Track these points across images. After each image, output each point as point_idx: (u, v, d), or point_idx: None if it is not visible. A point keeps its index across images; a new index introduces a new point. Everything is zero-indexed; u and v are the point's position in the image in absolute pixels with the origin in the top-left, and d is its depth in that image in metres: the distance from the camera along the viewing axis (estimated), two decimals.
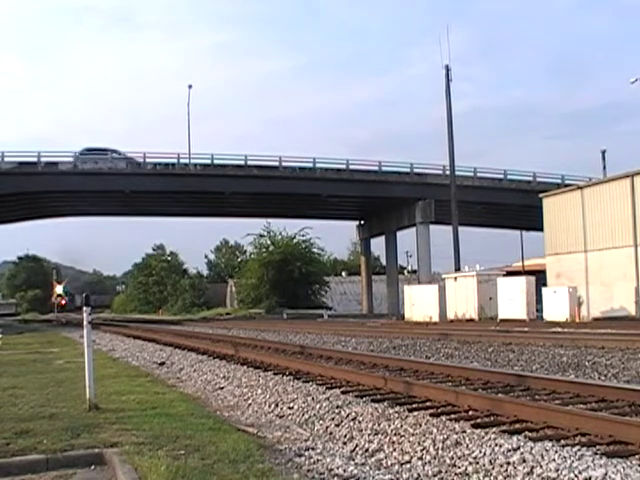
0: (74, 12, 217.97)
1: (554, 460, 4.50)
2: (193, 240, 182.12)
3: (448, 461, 4.92)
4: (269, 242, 59.95)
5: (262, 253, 59.91)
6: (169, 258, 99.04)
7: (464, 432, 5.47)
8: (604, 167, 47.67)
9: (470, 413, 6.24)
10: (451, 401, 6.70)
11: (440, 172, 49.18)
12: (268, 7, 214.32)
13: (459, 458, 4.92)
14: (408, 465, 5.00)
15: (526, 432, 5.37)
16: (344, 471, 4.84)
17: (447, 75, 42.69)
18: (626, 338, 14.27)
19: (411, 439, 5.53)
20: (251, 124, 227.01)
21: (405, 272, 73.85)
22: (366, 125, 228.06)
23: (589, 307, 28.62)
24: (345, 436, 6.07)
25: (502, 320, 28.17)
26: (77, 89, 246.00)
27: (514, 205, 50.45)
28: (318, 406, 7.25)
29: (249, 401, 8.37)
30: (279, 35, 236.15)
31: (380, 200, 51.97)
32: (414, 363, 10.41)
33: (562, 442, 4.97)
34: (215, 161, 48.46)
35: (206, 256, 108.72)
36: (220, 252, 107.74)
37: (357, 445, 5.72)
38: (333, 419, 6.66)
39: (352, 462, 5.13)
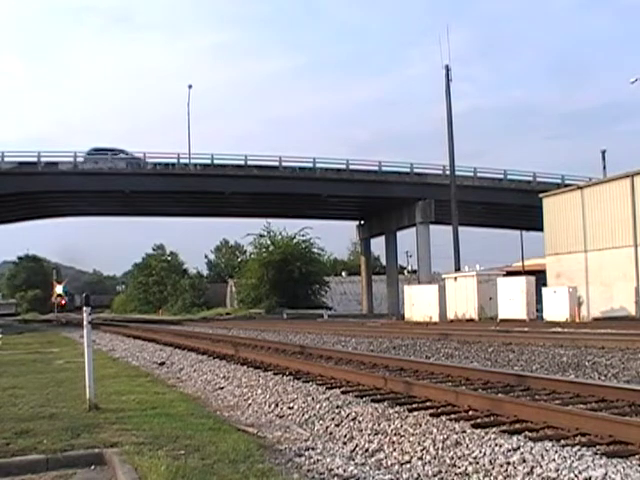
0: (74, 12, 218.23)
1: (554, 460, 4.50)
2: (193, 240, 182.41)
3: (448, 461, 4.92)
4: (269, 242, 59.96)
5: (262, 253, 59.91)
6: (169, 258, 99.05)
7: (464, 432, 5.47)
8: (604, 167, 47.75)
9: (470, 413, 6.24)
10: (451, 401, 6.70)
11: (440, 172, 49.20)
12: (268, 7, 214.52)
13: (459, 458, 4.92)
14: (408, 465, 5.00)
15: (526, 432, 5.37)
16: (344, 471, 4.84)
17: (447, 75, 42.72)
18: (626, 338, 14.27)
19: (411, 439, 5.53)
20: (251, 124, 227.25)
21: (405, 272, 73.85)
22: (366, 125, 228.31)
23: (589, 307, 28.62)
24: (345, 436, 6.07)
25: (502, 320, 28.17)
26: (77, 89, 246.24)
27: (514, 205, 50.45)
28: (318, 406, 7.25)
29: (249, 401, 8.37)
30: (279, 35, 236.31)
31: (380, 200, 51.98)
32: (414, 363, 10.41)
33: (562, 442, 4.97)
34: (215, 161, 48.47)
35: (206, 256, 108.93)
36: (220, 252, 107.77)
37: (357, 445, 5.72)
38: (333, 419, 6.66)
39: (352, 462, 5.13)
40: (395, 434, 5.75)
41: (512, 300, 29.06)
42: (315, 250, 60.68)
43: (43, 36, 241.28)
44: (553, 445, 4.85)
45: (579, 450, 4.70)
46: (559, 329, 19.84)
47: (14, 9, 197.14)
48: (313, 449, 5.59)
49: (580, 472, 4.22)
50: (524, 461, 4.59)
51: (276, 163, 48.95)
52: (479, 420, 5.92)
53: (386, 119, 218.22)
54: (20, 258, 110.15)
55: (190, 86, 56.09)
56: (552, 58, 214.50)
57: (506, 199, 50.59)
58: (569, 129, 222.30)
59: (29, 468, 4.86)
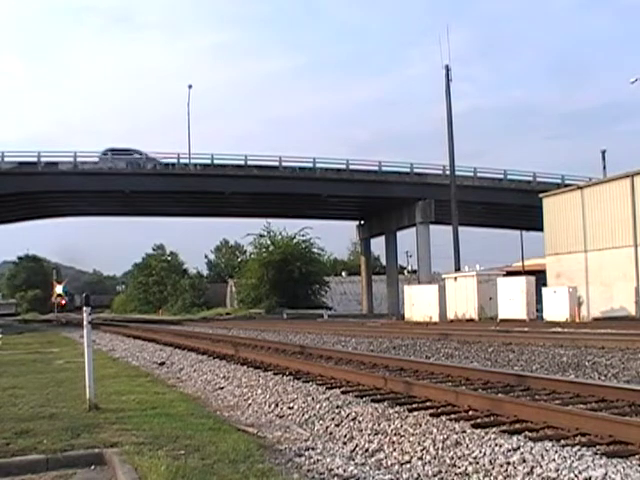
0: (74, 12, 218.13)
1: (554, 460, 4.50)
2: (193, 240, 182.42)
3: (448, 461, 4.92)
4: (269, 242, 59.97)
5: (262, 253, 59.92)
6: (169, 258, 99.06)
7: (464, 432, 5.47)
8: (604, 167, 47.76)
9: (470, 413, 6.24)
10: (451, 401, 6.70)
11: (440, 172, 49.21)
12: (268, 7, 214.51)
13: (459, 458, 4.92)
14: (408, 465, 5.00)
15: (526, 432, 5.37)
16: (344, 471, 4.84)
17: (447, 75, 42.72)
18: (626, 338, 14.27)
19: (411, 439, 5.53)
20: (251, 124, 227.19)
21: (405, 272, 73.85)
22: (366, 125, 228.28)
23: (589, 307, 28.63)
24: (345, 436, 6.07)
25: (502, 320, 28.17)
26: (77, 89, 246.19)
27: (514, 205, 50.46)
28: (318, 406, 7.25)
29: (249, 401, 8.37)
30: (279, 35, 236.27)
31: (380, 200, 51.98)
32: (414, 363, 10.41)
33: (562, 442, 4.97)
34: (215, 161, 48.48)
35: (206, 256, 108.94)
36: (220, 252, 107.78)
37: (357, 445, 5.72)
38: (333, 419, 6.66)
39: (352, 462, 5.13)
40: (395, 434, 5.75)
41: (512, 300, 29.06)
42: (315, 250, 60.77)
43: (43, 36, 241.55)
44: (553, 445, 4.85)
45: (579, 450, 4.70)
46: (559, 329, 19.84)
47: (14, 9, 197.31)
48: (313, 449, 5.59)
49: (580, 472, 4.22)
50: (524, 461, 4.59)
51: (276, 163, 48.96)
52: (479, 420, 5.92)
53: (386, 119, 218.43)
54: (20, 258, 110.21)
55: (190, 86, 56.17)
56: (552, 58, 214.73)
57: (506, 199, 50.60)
58: (569, 129, 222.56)
59: (29, 468, 4.86)
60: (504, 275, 33.44)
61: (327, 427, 6.48)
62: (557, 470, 4.32)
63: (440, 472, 4.74)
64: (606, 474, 4.14)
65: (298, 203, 54.10)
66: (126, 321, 46.27)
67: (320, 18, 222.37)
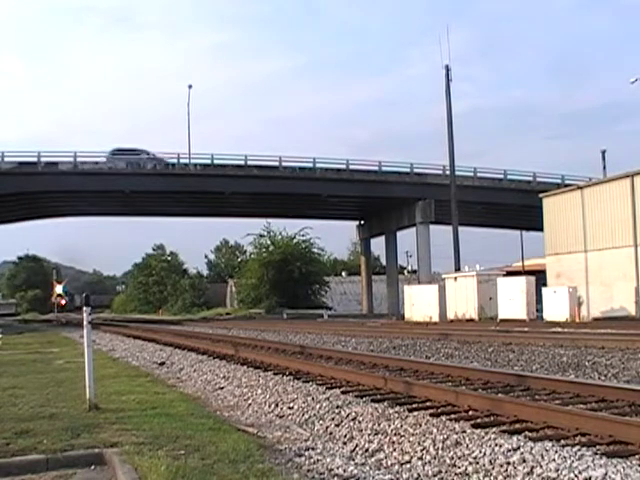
0: (74, 12, 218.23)
1: (554, 460, 4.50)
2: (193, 240, 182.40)
3: (448, 461, 4.92)
4: (269, 242, 59.97)
5: (262, 253, 59.92)
6: (169, 258, 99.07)
7: (464, 432, 5.47)
8: (604, 167, 47.76)
9: (470, 413, 6.24)
10: (451, 401, 6.70)
11: (440, 172, 49.21)
12: (268, 7, 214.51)
13: (459, 458, 4.92)
14: (408, 465, 5.00)
15: (526, 432, 5.37)
16: (344, 471, 4.84)
17: (447, 75, 42.72)
18: (626, 338, 14.27)
19: (411, 439, 5.53)
20: (251, 124, 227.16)
21: (405, 272, 73.85)
22: (366, 125, 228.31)
23: (589, 307, 28.63)
24: (345, 436, 6.07)
25: (502, 320, 28.17)
26: (77, 89, 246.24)
27: (514, 205, 50.46)
28: (318, 406, 7.25)
29: (249, 401, 8.37)
30: (279, 35, 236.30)
31: (380, 200, 51.98)
32: (414, 363, 10.41)
33: (562, 442, 4.97)
34: (215, 161, 48.48)
35: (206, 256, 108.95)
36: (220, 252, 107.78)
37: (357, 445, 5.72)
38: (333, 419, 6.66)
39: (352, 462, 5.13)
40: (395, 434, 5.75)
41: (512, 300, 29.06)
42: (315, 250, 60.78)
43: (43, 36, 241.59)
44: (553, 445, 4.85)
45: (579, 450, 4.70)
46: (559, 329, 19.84)
47: (14, 9, 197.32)
48: (313, 449, 5.59)
49: (580, 472, 4.22)
50: (524, 461, 4.59)
51: (276, 163, 48.96)
52: (479, 420, 5.92)
53: (386, 119, 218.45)
54: (20, 258, 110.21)
55: (190, 86, 56.18)
56: (552, 58, 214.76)
57: (506, 199, 50.60)
58: (569, 129, 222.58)
59: (29, 468, 4.86)
60: (504, 275, 33.44)
61: (327, 427, 6.48)
62: (557, 470, 4.32)
63: (440, 472, 4.74)
64: (606, 474, 4.14)
65: (298, 203, 54.10)
66: (126, 321, 46.28)
67: (320, 18, 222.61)
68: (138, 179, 46.73)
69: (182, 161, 48.23)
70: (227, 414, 7.58)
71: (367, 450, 5.54)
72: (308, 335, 22.06)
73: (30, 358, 14.86)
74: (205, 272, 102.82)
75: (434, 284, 36.11)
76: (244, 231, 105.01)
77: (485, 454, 4.86)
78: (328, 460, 5.16)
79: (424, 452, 5.18)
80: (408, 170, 50.70)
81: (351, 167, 49.93)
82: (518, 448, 4.84)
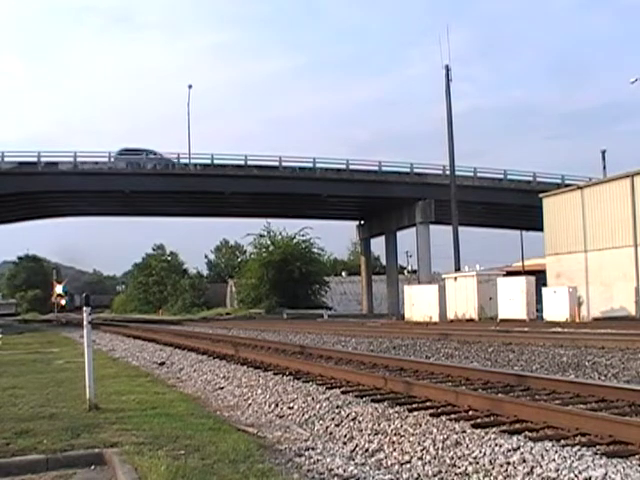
0: (74, 12, 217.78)
1: (554, 460, 4.50)
2: (193, 240, 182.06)
3: (448, 461, 4.92)
4: (269, 242, 59.98)
5: (262, 253, 59.93)
6: (169, 258, 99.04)
7: (464, 432, 5.47)
8: (604, 167, 47.77)
9: (470, 413, 6.24)
10: (451, 401, 6.70)
11: (440, 172, 49.22)
12: (268, 7, 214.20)
13: (459, 458, 4.92)
14: (408, 465, 5.00)
15: (526, 432, 5.37)
16: (344, 471, 4.85)
17: (447, 75, 42.73)
18: (626, 338, 14.27)
19: (411, 439, 5.53)
20: (251, 124, 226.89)
21: (405, 272, 73.83)
22: (366, 125, 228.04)
23: (589, 307, 28.63)
24: (345, 436, 6.07)
25: (502, 320, 28.17)
26: (77, 89, 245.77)
27: (514, 205, 50.46)
28: (318, 406, 7.25)
29: (249, 401, 8.37)
30: (279, 35, 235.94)
31: (380, 200, 51.98)
32: (414, 363, 10.41)
33: (562, 442, 4.97)
34: (215, 161, 48.51)
35: (206, 256, 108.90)
36: (220, 252, 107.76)
37: (357, 445, 5.72)
38: (333, 419, 6.66)
39: (352, 462, 5.13)
40: (395, 434, 5.75)
41: (512, 300, 29.06)
42: (315, 250, 60.78)
43: (43, 36, 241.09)
44: (553, 445, 4.85)
45: (579, 450, 4.69)
46: (559, 329, 19.84)
47: (14, 9, 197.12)
48: (313, 449, 5.59)
49: (580, 472, 4.22)
50: (524, 461, 4.59)
51: (276, 163, 48.97)
52: (479, 420, 5.92)
53: (386, 119, 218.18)
54: (20, 258, 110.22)
55: (190, 86, 56.22)
56: (552, 58, 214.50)
57: (506, 199, 50.60)
58: (569, 129, 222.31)
59: (29, 468, 4.86)
60: (504, 275, 33.44)
61: (327, 427, 6.48)
62: (557, 470, 4.32)
63: (440, 472, 4.75)
64: (606, 474, 4.14)
65: (298, 203, 54.10)
66: (126, 321, 46.28)
67: (320, 18, 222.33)
68: (138, 179, 46.74)
69: (182, 161, 48.30)
70: (227, 414, 7.59)
71: (367, 450, 5.54)
72: (308, 335, 22.07)
73: (30, 358, 14.87)
74: (205, 272, 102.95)
75: (434, 284, 36.10)
76: (244, 231, 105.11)
77: (485, 454, 4.86)
78: (328, 460, 5.16)
79: (424, 452, 5.18)
80: (408, 170, 50.71)
81: (351, 167, 49.95)
82: (518, 448, 4.84)
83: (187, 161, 48.38)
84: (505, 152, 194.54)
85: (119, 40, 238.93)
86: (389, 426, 5.98)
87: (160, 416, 6.74)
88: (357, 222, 62.84)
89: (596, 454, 4.59)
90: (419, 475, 4.74)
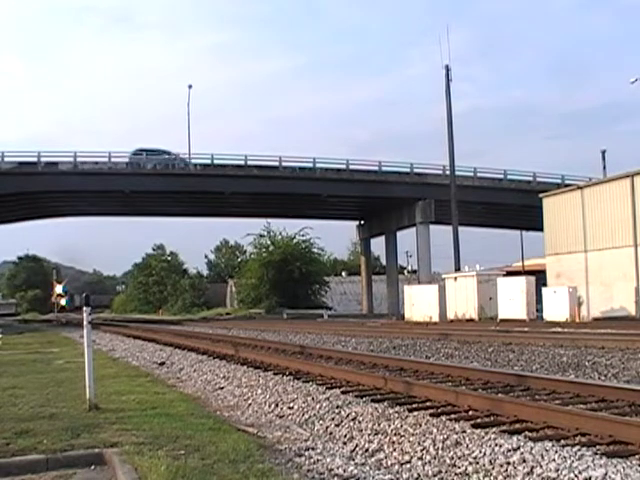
0: (74, 12, 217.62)
1: (554, 460, 4.50)
2: (193, 240, 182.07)
3: (448, 461, 4.92)
4: (269, 242, 59.99)
5: (262, 253, 59.94)
6: (169, 258, 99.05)
7: (464, 432, 5.47)
8: (604, 167, 47.77)
9: (470, 413, 6.24)
10: (451, 401, 6.70)
11: (440, 172, 49.21)
12: (268, 7, 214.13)
13: (459, 458, 4.92)
14: (408, 465, 5.01)
15: (526, 432, 5.37)
16: (344, 471, 4.85)
17: (447, 75, 42.74)
18: (626, 338, 14.27)
19: (411, 439, 5.53)
20: (251, 124, 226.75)
21: (405, 272, 73.84)
22: (366, 125, 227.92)
23: (589, 307, 28.63)
24: (345, 436, 6.07)
25: (502, 320, 28.18)
26: (77, 89, 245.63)
27: (514, 205, 50.46)
28: (318, 406, 7.25)
29: (249, 401, 8.37)
30: (279, 35, 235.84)
31: (380, 200, 51.98)
32: (414, 363, 10.41)
33: (562, 442, 4.97)
34: (215, 161, 48.52)
35: (206, 256, 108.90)
36: (220, 252, 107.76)
37: (357, 445, 5.72)
38: (333, 419, 6.66)
39: (352, 462, 5.13)
40: (395, 434, 5.75)
41: (512, 300, 29.06)
42: (315, 250, 60.78)
43: (43, 36, 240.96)
44: (553, 445, 4.85)
45: (579, 450, 4.69)
46: (559, 329, 19.84)
47: (14, 9, 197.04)
48: (313, 449, 5.59)
49: (580, 472, 4.22)
50: (524, 461, 4.59)
51: (276, 163, 48.98)
52: (479, 420, 5.92)
53: (386, 119, 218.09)
54: (20, 258, 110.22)
55: (190, 86, 56.32)
56: (552, 58, 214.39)
57: (506, 199, 50.60)
58: (569, 129, 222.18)
59: (29, 468, 4.86)
60: (504, 275, 33.44)
61: (327, 427, 6.48)
62: (557, 470, 4.32)
63: (440, 472, 4.75)
64: (606, 474, 4.14)
65: (298, 203, 54.11)
66: (126, 321, 46.28)
67: (320, 18, 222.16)
68: (138, 179, 46.75)
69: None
70: (227, 414, 7.59)
71: (367, 450, 5.54)
72: (308, 335, 22.07)
73: (30, 358, 14.87)
74: (205, 272, 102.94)
75: (434, 284, 36.11)
76: (244, 231, 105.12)
77: (485, 454, 4.86)
78: (328, 460, 5.16)
79: (424, 452, 5.18)
80: (408, 170, 50.71)
81: (351, 167, 49.95)
82: (518, 448, 4.84)
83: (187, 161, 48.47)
84: (505, 152, 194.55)
85: (119, 40, 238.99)
86: (389, 426, 5.98)
87: (160, 416, 6.74)
88: (357, 222, 62.84)
89: (596, 454, 4.59)
90: (419, 475, 4.74)
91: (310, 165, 49.37)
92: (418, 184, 49.83)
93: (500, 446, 4.95)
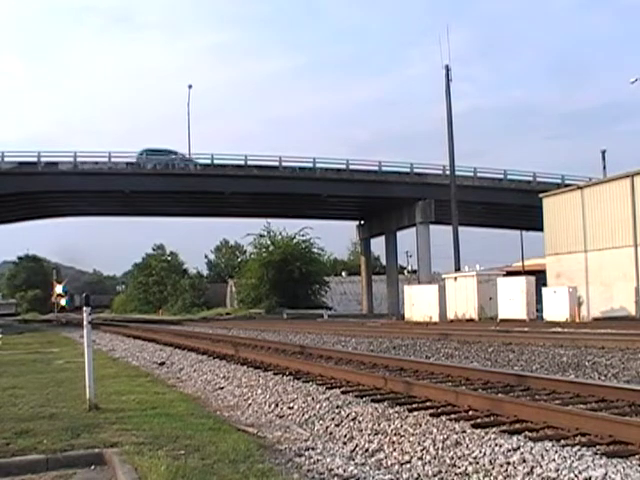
0: (74, 12, 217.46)
1: (554, 460, 4.50)
2: (193, 240, 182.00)
3: (448, 461, 4.92)
4: (269, 242, 60.00)
5: (262, 253, 59.94)
6: (169, 258, 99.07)
7: (464, 432, 5.47)
8: (604, 167, 47.76)
9: (470, 413, 6.24)
10: (451, 401, 6.70)
11: (440, 172, 49.21)
12: (268, 7, 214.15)
13: (459, 458, 4.92)
14: (408, 465, 5.01)
15: (526, 432, 5.37)
16: (344, 471, 4.85)
17: (447, 75, 42.73)
18: (626, 338, 14.27)
19: (411, 439, 5.53)
20: (251, 124, 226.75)
21: (405, 272, 73.84)
22: (366, 125, 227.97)
23: (589, 307, 28.63)
24: (345, 436, 6.07)
25: (502, 320, 28.17)
26: (77, 89, 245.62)
27: (514, 205, 50.47)
28: (318, 406, 7.25)
29: (249, 401, 8.37)
30: (279, 35, 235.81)
31: (380, 200, 51.99)
32: (414, 363, 10.41)
33: (562, 442, 4.97)
34: (215, 161, 48.53)
35: (206, 256, 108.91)
36: (220, 252, 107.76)
37: (357, 445, 5.72)
38: (333, 419, 6.66)
39: (352, 462, 5.13)
40: (395, 434, 5.75)
41: (512, 300, 29.06)
42: (315, 250, 60.78)
43: (43, 36, 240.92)
44: (553, 445, 4.85)
45: (579, 450, 4.69)
46: (559, 329, 19.84)
47: (14, 9, 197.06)
48: (313, 449, 5.59)
49: (580, 472, 4.22)
50: (524, 461, 4.59)
51: (276, 163, 48.98)
52: (479, 420, 5.92)
53: (386, 119, 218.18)
54: (20, 258, 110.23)
55: (190, 86, 56.35)
56: (552, 58, 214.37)
57: (506, 199, 50.60)
58: (569, 129, 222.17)
59: (29, 468, 4.86)
60: (504, 275, 33.44)
61: (327, 427, 6.48)
62: (557, 470, 4.32)
63: (440, 472, 4.75)
64: (606, 474, 4.14)
65: (298, 203, 54.11)
66: (126, 321, 46.28)
67: (320, 18, 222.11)
68: (138, 179, 46.75)
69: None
70: (227, 414, 7.59)
71: (367, 450, 5.54)
72: (308, 335, 22.07)
73: (30, 358, 14.87)
74: (205, 272, 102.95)
75: (434, 284, 36.10)
76: (244, 231, 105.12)
77: (485, 454, 4.86)
78: (328, 460, 5.16)
79: (424, 452, 5.18)
80: (408, 170, 50.70)
81: (351, 167, 49.95)
82: (518, 448, 4.84)
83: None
84: (505, 152, 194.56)
85: (119, 40, 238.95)
86: (389, 426, 5.98)
87: (160, 416, 6.74)
88: (357, 222, 62.84)
89: (596, 454, 4.59)
90: (419, 475, 4.74)
91: (310, 165, 49.38)
92: (418, 184, 49.83)
93: (500, 446, 4.95)
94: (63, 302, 78.42)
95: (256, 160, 48.93)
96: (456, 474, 4.67)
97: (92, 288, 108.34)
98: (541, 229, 33.79)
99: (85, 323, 7.59)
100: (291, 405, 7.64)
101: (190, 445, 5.36)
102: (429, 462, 4.98)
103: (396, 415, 6.32)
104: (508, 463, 4.61)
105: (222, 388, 9.64)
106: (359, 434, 6.00)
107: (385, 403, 6.92)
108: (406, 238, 59.71)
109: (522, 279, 29.99)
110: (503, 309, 29.51)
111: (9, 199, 46.76)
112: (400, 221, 53.63)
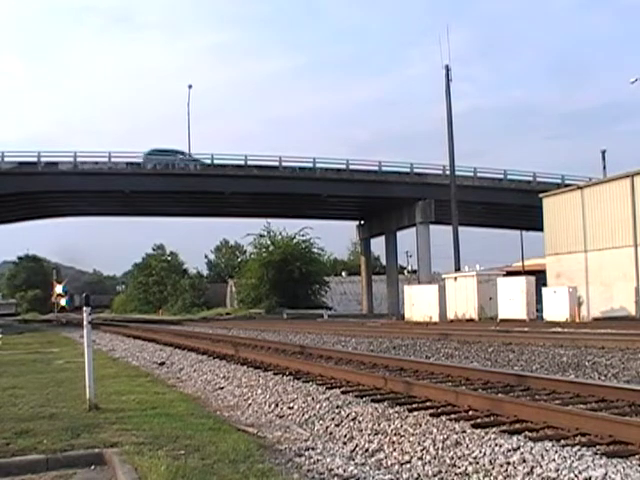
0: (74, 12, 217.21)
1: (554, 460, 4.50)
2: (193, 240, 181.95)
3: (448, 461, 4.92)
4: (269, 242, 60.00)
5: (262, 253, 59.95)
6: (169, 258, 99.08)
7: (464, 432, 5.47)
8: (604, 167, 47.74)
9: (470, 413, 6.24)
10: (451, 401, 6.70)
11: (440, 172, 49.21)
12: (268, 7, 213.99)
13: (459, 458, 4.92)
14: (408, 465, 5.01)
15: (526, 432, 5.37)
16: (344, 471, 4.85)
17: (447, 75, 42.73)
18: (626, 338, 14.27)
19: (411, 439, 5.53)
20: (251, 124, 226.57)
21: (405, 272, 73.84)
22: (366, 125, 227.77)
23: (589, 307, 28.63)
24: (345, 436, 6.07)
25: (502, 320, 28.18)
26: (77, 89, 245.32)
27: (514, 205, 50.46)
28: (318, 406, 7.25)
29: (249, 401, 8.38)
30: (279, 35, 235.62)
31: (380, 200, 51.98)
32: (414, 363, 10.41)
33: (562, 442, 4.97)
34: (215, 161, 48.53)
35: (206, 256, 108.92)
36: (220, 252, 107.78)
37: (357, 445, 5.72)
38: (333, 419, 6.66)
39: (352, 462, 5.13)
40: (395, 434, 5.75)
41: (512, 300, 29.06)
42: (315, 250, 60.78)
43: (43, 36, 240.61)
44: (553, 445, 4.85)
45: (579, 450, 4.70)
46: (559, 329, 19.84)
47: (14, 9, 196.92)
48: (313, 449, 5.59)
49: (580, 472, 4.22)
50: (524, 461, 4.59)
51: (276, 163, 48.97)
52: (479, 420, 5.92)
53: (386, 119, 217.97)
54: (20, 258, 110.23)
55: (190, 86, 56.30)
56: (552, 58, 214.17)
57: (506, 199, 50.60)
58: (569, 129, 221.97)
59: (29, 468, 4.86)
60: (504, 275, 33.44)
61: (327, 427, 6.48)
62: (557, 470, 4.32)
63: (440, 472, 4.75)
64: (606, 474, 4.14)
65: (298, 203, 54.11)
66: (126, 321, 46.29)
67: (320, 18, 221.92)
68: (138, 179, 46.75)
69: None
70: (227, 414, 7.59)
71: (367, 450, 5.54)
72: (308, 335, 22.07)
73: (30, 358, 14.87)
74: (205, 272, 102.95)
75: (434, 284, 36.10)
76: (244, 231, 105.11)
77: (485, 454, 4.86)
78: (328, 460, 5.16)
79: (424, 452, 5.18)
80: (408, 170, 50.70)
81: (351, 167, 49.95)
82: (518, 448, 4.84)
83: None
84: (505, 152, 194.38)
85: (119, 40, 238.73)
86: (389, 426, 5.98)
87: (160, 416, 6.74)
88: (357, 222, 62.83)
89: (596, 454, 4.59)
90: (419, 475, 4.74)
91: (310, 165, 49.37)
92: (418, 184, 49.83)
93: (500, 446, 4.95)
94: (63, 302, 78.33)
95: (256, 160, 48.96)
96: (456, 474, 4.67)
97: (92, 288, 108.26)
98: (541, 229, 33.80)
99: (85, 323, 7.59)
100: (291, 405, 7.65)
101: (190, 445, 5.36)
102: (429, 462, 4.98)
103: (396, 415, 6.33)
104: (508, 463, 4.61)
105: (222, 388, 9.64)
106: (359, 434, 6.00)
107: (385, 403, 6.92)
108: (406, 238, 59.80)
109: (522, 279, 30.00)
110: (503, 309, 29.51)
111: (9, 199, 46.75)
112: (400, 221, 53.63)
